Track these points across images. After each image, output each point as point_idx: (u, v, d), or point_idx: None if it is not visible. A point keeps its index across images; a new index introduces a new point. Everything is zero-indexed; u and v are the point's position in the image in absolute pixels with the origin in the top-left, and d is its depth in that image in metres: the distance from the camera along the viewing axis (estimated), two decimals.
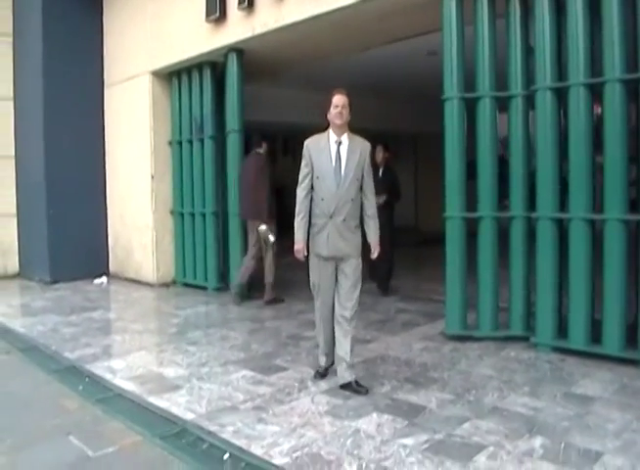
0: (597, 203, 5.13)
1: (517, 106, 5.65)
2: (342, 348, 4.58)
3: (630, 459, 3.34)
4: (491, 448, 3.52)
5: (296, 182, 4.54)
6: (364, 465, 3.38)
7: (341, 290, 4.58)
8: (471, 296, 5.81)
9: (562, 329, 5.37)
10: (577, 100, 5.14)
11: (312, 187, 4.49)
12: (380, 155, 8.15)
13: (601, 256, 5.05)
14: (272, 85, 11.28)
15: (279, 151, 14.89)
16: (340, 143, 4.50)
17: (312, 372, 4.97)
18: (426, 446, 3.60)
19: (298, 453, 3.54)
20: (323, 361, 4.88)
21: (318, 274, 4.62)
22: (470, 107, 5.78)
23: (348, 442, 3.68)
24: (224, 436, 3.82)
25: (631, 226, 4.94)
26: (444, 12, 5.78)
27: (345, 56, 8.92)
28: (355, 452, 3.54)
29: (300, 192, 4.52)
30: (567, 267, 5.26)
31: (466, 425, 3.85)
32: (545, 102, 5.33)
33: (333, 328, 4.68)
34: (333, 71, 10.21)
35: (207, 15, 8.02)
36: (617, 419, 3.89)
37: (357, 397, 4.44)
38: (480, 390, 4.50)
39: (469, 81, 5.77)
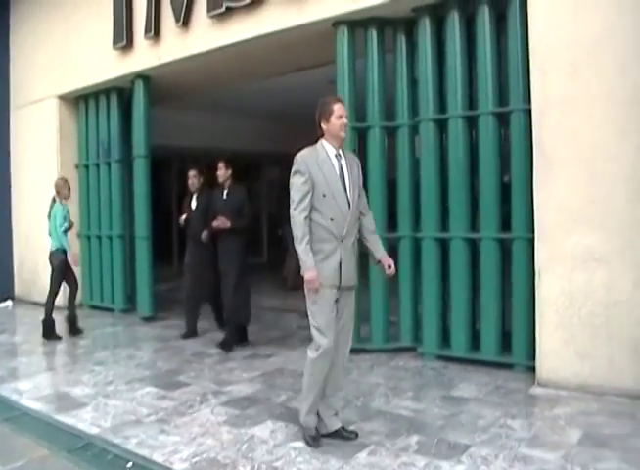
0: (475, 222, 5.65)
1: (404, 135, 6.13)
2: (339, 391, 4.15)
3: (494, 450, 3.77)
4: (372, 447, 3.88)
5: None
6: (257, 466, 3.66)
7: (344, 325, 4.01)
8: (364, 311, 6.17)
9: (445, 339, 5.84)
10: (456, 130, 5.66)
11: (312, 207, 3.86)
12: (222, 172, 6.82)
13: (479, 271, 5.56)
14: (180, 109, 11.48)
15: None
16: (339, 156, 3.98)
17: (214, 386, 5.20)
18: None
19: (197, 459, 3.78)
20: (314, 422, 4.04)
21: (328, 311, 3.86)
22: (361, 136, 6.22)
23: (244, 447, 3.96)
24: (128, 447, 4.02)
25: (504, 244, 5.46)
26: (337, 45, 6.22)
27: (251, 82, 9.24)
28: (249, 456, 3.81)
29: (300, 214, 3.83)
30: (449, 282, 5.73)
31: (352, 428, 4.17)
32: (428, 132, 5.84)
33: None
34: (240, 96, 10.58)
35: (115, 42, 8.24)
36: (487, 416, 4.34)
37: (254, 406, 4.72)
38: (367, 396, 4.87)
39: (361, 112, 6.21)
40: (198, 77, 8.56)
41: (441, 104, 5.84)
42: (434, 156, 5.83)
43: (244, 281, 6.69)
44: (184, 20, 7.33)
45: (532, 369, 5.09)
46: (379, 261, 4.13)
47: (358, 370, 5.61)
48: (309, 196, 3.85)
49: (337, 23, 6.17)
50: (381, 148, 6.18)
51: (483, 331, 5.53)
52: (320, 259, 3.83)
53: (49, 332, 7.31)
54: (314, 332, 3.88)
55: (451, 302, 5.73)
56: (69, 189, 7.51)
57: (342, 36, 6.19)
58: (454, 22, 5.66)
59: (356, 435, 4.03)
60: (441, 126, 5.84)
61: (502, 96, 5.50)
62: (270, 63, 7.80)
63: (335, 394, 4.06)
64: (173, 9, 7.42)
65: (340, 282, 3.88)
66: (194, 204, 7.41)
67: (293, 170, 3.92)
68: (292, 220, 3.86)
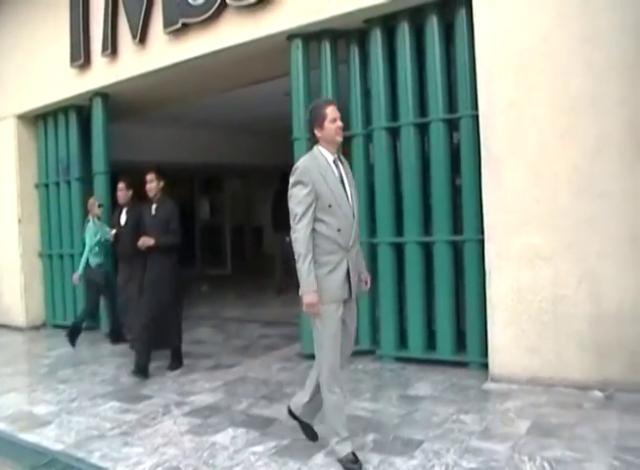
0: (429, 226, 5.80)
1: (358, 144, 6.28)
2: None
3: (446, 444, 3.89)
4: (329, 447, 3.93)
5: None
6: None
7: (349, 331, 3.89)
8: None
9: (403, 341, 5.98)
10: (408, 137, 5.82)
11: (315, 219, 3.63)
12: (153, 185, 6.34)
13: (433, 273, 5.71)
14: (140, 123, 11.53)
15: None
16: (338, 163, 3.79)
17: (177, 398, 5.27)
18: (273, 451, 4.01)
19: (159, 469, 3.84)
20: (349, 447, 3.73)
21: (337, 327, 3.68)
22: None
23: (205, 454, 4.02)
24: (92, 460, 4.05)
25: (457, 246, 5.62)
26: (292, 58, 6.37)
27: (210, 96, 9.34)
28: (211, 462, 3.88)
29: (306, 228, 3.56)
30: (405, 286, 5.87)
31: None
32: (381, 140, 6.00)
33: None
34: (200, 110, 10.68)
35: (72, 60, 8.30)
36: (441, 413, 4.47)
37: (216, 415, 4.78)
38: None
39: None
40: (156, 93, 8.63)
41: (394, 112, 6.00)
42: (388, 163, 5.99)
43: (173, 300, 6.20)
44: (141, 36, 7.42)
45: (486, 366, 5.25)
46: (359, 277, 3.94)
47: None
48: (313, 207, 3.60)
49: (291, 36, 6.32)
50: None
51: (439, 331, 5.68)
52: (327, 272, 3.61)
53: (73, 339, 7.50)
54: (326, 352, 3.67)
55: (407, 304, 5.87)
56: (100, 206, 7.81)
57: (297, 49, 6.34)
58: (404, 32, 5.83)
59: (316, 438, 4.08)
60: (394, 134, 6.00)
61: (451, 103, 5.69)
62: (227, 77, 7.91)
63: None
64: (130, 26, 7.51)
65: (349, 294, 3.72)
66: (123, 219, 7.21)
67: (293, 181, 3.67)
68: (294, 235, 3.59)
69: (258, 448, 4.05)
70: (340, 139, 3.81)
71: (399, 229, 5.95)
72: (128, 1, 7.56)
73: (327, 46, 6.32)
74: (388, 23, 5.96)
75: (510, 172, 5.01)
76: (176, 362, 6.36)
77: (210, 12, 6.62)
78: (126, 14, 7.59)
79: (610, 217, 4.69)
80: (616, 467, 3.40)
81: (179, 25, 6.94)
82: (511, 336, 5.04)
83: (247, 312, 9.56)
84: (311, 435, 4.10)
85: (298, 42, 6.31)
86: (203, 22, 6.75)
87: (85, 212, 8.81)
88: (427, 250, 5.79)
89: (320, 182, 3.62)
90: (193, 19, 6.80)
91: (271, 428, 4.43)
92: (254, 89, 8.73)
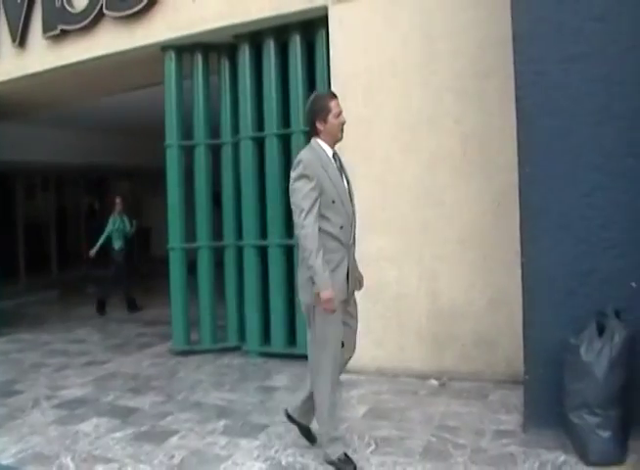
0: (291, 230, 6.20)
1: (227, 152, 6.65)
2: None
3: (289, 428, 4.19)
4: (183, 432, 4.34)
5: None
6: (77, 456, 4.03)
7: (352, 328, 3.83)
8: (193, 316, 6.68)
9: (267, 337, 6.38)
10: (272, 147, 6.24)
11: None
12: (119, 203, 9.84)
13: (294, 273, 6.12)
14: (27, 124, 11.43)
15: (38, 185, 14.87)
16: (336, 157, 3.67)
17: (48, 392, 5.46)
18: (132, 436, 4.34)
19: (23, 454, 4.10)
20: (341, 448, 3.67)
21: (338, 325, 3.59)
22: (188, 153, 6.69)
23: (68, 441, 4.31)
24: None
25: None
26: (165, 68, 6.69)
27: (94, 99, 9.45)
28: (72, 447, 4.18)
29: (314, 223, 3.41)
30: (269, 286, 6.30)
31: (169, 418, 4.64)
32: (247, 149, 6.39)
33: None
34: (88, 112, 10.81)
35: None
36: (289, 401, 4.82)
37: (83, 406, 5.05)
38: (189, 391, 5.32)
39: (188, 130, 6.68)
40: (39, 95, 8.72)
41: (259, 123, 6.40)
42: (253, 170, 6.38)
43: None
44: (20, 40, 7.50)
45: None
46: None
47: (185, 369, 6.06)
48: (318, 203, 3.44)
49: (165, 47, 6.62)
50: (206, 164, 6.67)
51: (299, 328, 6.11)
52: (330, 272, 3.45)
53: (102, 309, 9.78)
54: (324, 354, 3.57)
55: (271, 303, 6.29)
56: (120, 203, 10.09)
57: (170, 60, 6.65)
58: (270, 48, 6.24)
59: (314, 442, 3.95)
60: (260, 144, 6.39)
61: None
62: (107, 82, 8.12)
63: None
64: (10, 30, 7.58)
65: (349, 291, 3.65)
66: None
67: (296, 174, 3.49)
68: (302, 231, 3.40)
69: (118, 435, 4.37)
70: (341, 135, 3.66)
71: (264, 233, 6.35)
72: (8, 5, 7.62)
73: (199, 58, 6.67)
74: (255, 39, 6.35)
75: (360, 182, 5.42)
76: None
77: (88, 20, 6.84)
78: (6, 18, 7.65)
79: (444, 223, 5.24)
80: (431, 442, 3.90)
81: (58, 31, 7.10)
82: (360, 331, 5.52)
83: (128, 313, 9.73)
84: (310, 437, 3.99)
85: (172, 53, 6.63)
86: (81, 29, 6.94)
87: None
88: (289, 252, 6.20)
89: (323, 177, 3.47)
90: (71, 26, 6.99)
91: (132, 417, 4.74)
92: (141, 93, 8.87)
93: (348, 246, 3.59)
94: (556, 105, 3.82)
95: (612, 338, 3.48)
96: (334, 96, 3.67)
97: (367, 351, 5.46)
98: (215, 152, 6.75)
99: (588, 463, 3.47)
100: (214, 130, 6.71)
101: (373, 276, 5.38)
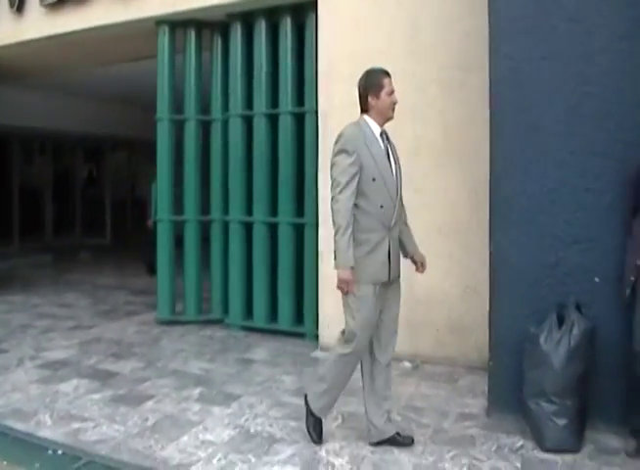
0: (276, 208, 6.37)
1: (217, 128, 6.77)
2: (388, 401, 3.77)
3: (261, 398, 4.52)
4: (159, 397, 4.54)
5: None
6: (55, 414, 4.23)
7: (387, 324, 3.68)
8: (179, 287, 6.88)
9: (250, 311, 6.57)
10: (260, 126, 6.37)
11: (358, 192, 3.41)
12: None
13: (277, 251, 6.33)
14: (23, 88, 11.47)
15: (35, 151, 14.93)
16: (384, 136, 3.60)
17: (32, 352, 5.65)
18: (109, 398, 4.54)
19: (3, 410, 4.29)
20: (325, 416, 3.85)
21: (371, 310, 3.49)
22: (179, 127, 6.82)
23: (47, 399, 4.51)
24: None
25: (299, 228, 6.24)
26: (159, 43, 6.78)
27: (91, 68, 9.53)
28: (51, 406, 4.38)
29: (348, 199, 3.34)
30: (252, 262, 6.47)
31: (147, 383, 4.84)
32: (236, 126, 6.51)
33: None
34: (85, 80, 10.89)
35: None
36: (265, 373, 5.11)
37: (65, 368, 5.25)
38: (169, 359, 5.52)
39: (179, 105, 6.81)
40: (36, 61, 8.80)
41: (249, 101, 6.51)
42: (242, 148, 6.50)
43: None
44: (18, 6, 7.56)
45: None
46: (412, 259, 3.84)
47: (169, 338, 6.26)
48: (357, 179, 3.37)
49: (159, 22, 6.71)
50: (196, 139, 6.80)
51: (280, 305, 6.31)
52: (366, 252, 3.40)
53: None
54: (349, 330, 3.51)
55: (254, 278, 6.45)
56: None
57: (164, 35, 6.75)
58: (261, 29, 6.34)
59: (412, 440, 3.75)
60: (248, 122, 6.50)
61: (300, 98, 6.26)
62: (103, 52, 8.20)
63: (386, 397, 3.75)
64: None
65: (389, 277, 3.52)
66: None
67: (337, 149, 3.46)
68: (335, 205, 3.36)
69: (96, 396, 4.57)
70: (392, 114, 3.59)
71: (249, 209, 6.50)
72: None
73: (192, 34, 6.76)
74: (247, 19, 6.44)
75: None
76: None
77: None
78: None
79: (424, 211, 5.31)
80: (396, 420, 4.05)
81: (55, 0, 7.16)
82: (338, 311, 5.63)
83: (118, 280, 9.94)
84: (405, 439, 3.78)
85: (165, 28, 6.72)
86: None
87: None
88: (273, 230, 6.36)
89: (365, 153, 3.41)
90: None
91: (112, 380, 4.94)
92: (140, 64, 8.82)
93: (390, 227, 3.48)
94: (528, 101, 3.96)
95: (571, 329, 3.63)
96: (387, 74, 3.61)
97: None
98: (206, 127, 6.86)
99: (544, 449, 3.64)
100: (205, 106, 6.83)
101: None
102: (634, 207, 3.62)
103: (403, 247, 3.76)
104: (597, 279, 3.84)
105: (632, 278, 3.57)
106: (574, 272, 3.89)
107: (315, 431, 3.78)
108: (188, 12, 6.45)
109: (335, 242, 3.36)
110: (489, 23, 4.07)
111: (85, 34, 7.26)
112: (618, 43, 3.75)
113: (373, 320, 3.50)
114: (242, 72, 6.50)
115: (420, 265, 3.81)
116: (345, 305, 3.55)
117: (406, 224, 3.78)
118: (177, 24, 6.71)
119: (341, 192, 3.35)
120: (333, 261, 3.45)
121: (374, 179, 3.41)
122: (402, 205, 3.66)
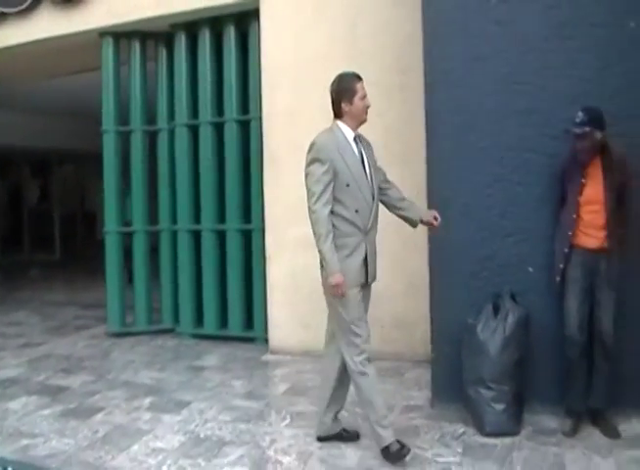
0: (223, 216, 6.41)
1: (163, 138, 6.79)
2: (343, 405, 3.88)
3: (211, 403, 4.55)
4: (110, 409, 4.52)
5: None
6: (4, 431, 4.18)
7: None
8: (129, 298, 6.85)
9: (200, 319, 6.59)
10: (206, 134, 6.41)
11: (333, 199, 3.45)
12: None
13: (225, 258, 6.36)
14: None
15: None
16: (358, 140, 3.59)
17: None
18: (59, 413, 4.48)
19: None
20: (391, 435, 3.50)
21: (359, 310, 3.52)
22: (125, 139, 6.82)
23: None
24: None
25: (246, 234, 6.29)
26: (103, 54, 6.78)
27: (37, 81, 9.44)
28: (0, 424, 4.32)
29: (323, 208, 3.39)
30: (201, 269, 6.50)
31: (97, 396, 4.80)
32: (182, 135, 6.55)
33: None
34: (31, 93, 10.77)
35: None
36: (216, 379, 5.14)
37: (14, 386, 5.17)
38: (120, 371, 5.49)
39: (124, 116, 6.80)
40: None
41: (195, 110, 6.55)
42: (188, 157, 6.54)
43: None
44: None
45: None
46: (424, 221, 3.76)
47: (119, 350, 6.22)
48: (331, 187, 3.42)
49: (103, 34, 6.71)
50: (143, 149, 6.81)
51: (230, 311, 6.34)
52: (345, 256, 3.44)
53: None
54: (351, 336, 3.48)
55: (203, 286, 6.48)
56: None
57: (108, 46, 6.75)
58: (205, 38, 6.39)
59: (358, 435, 3.84)
60: (194, 131, 6.55)
61: (244, 105, 6.32)
62: (48, 65, 8.16)
63: (343, 403, 3.85)
64: None
65: (366, 279, 3.56)
66: None
67: (310, 158, 3.51)
68: (312, 216, 3.43)
69: (46, 412, 4.52)
70: (365, 117, 3.59)
71: (197, 218, 6.53)
72: None
73: (137, 45, 6.78)
74: (191, 29, 6.49)
75: (287, 170, 5.68)
76: None
77: (26, 4, 6.88)
78: None
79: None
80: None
81: None
82: (287, 314, 5.78)
83: (68, 296, 9.83)
84: (349, 435, 3.87)
85: (110, 40, 6.73)
86: (19, 12, 6.97)
87: None
88: (221, 237, 6.40)
89: (338, 160, 3.43)
90: (9, 8, 7.00)
91: (61, 395, 4.88)
92: (85, 76, 8.76)
93: (366, 231, 3.51)
94: (461, 102, 4.11)
95: (505, 318, 3.80)
96: (359, 78, 3.59)
97: (295, 333, 5.74)
98: (152, 138, 6.87)
99: (484, 434, 3.77)
100: (151, 117, 6.84)
101: (299, 261, 5.65)
102: (561, 198, 3.80)
103: (411, 219, 3.76)
104: (531, 269, 4.00)
105: (561, 265, 3.75)
106: (509, 263, 4.05)
107: (404, 452, 3.47)
108: (132, 23, 6.47)
109: (319, 251, 3.42)
110: (423, 26, 4.21)
111: (31, 47, 7.20)
112: (543, 44, 3.92)
113: (363, 316, 3.54)
114: (187, 82, 6.54)
115: (434, 219, 3.71)
116: (334, 313, 3.58)
117: (404, 199, 3.77)
118: (121, 36, 6.73)
119: (316, 202, 3.40)
120: (321, 271, 3.55)
121: (348, 185, 3.44)
122: (377, 208, 3.63)
